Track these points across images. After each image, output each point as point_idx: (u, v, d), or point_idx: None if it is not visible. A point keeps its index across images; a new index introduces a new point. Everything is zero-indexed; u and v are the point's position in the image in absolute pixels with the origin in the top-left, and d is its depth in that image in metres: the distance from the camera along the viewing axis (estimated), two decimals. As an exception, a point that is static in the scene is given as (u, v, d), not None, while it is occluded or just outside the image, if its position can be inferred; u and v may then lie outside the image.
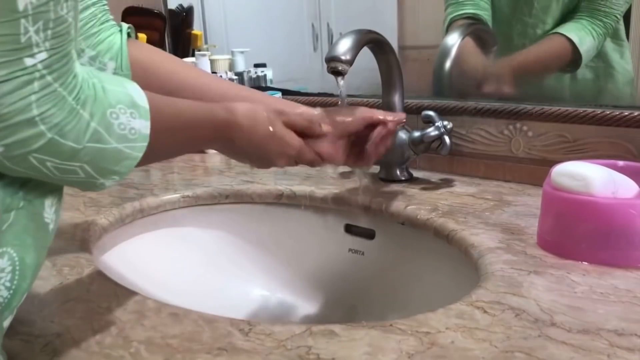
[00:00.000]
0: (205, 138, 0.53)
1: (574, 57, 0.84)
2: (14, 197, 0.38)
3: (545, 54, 0.89)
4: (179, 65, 0.68)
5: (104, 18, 0.63)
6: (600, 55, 0.84)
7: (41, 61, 0.34)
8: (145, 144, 0.41)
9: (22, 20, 0.32)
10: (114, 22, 0.64)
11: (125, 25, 0.65)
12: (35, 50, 0.33)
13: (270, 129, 0.57)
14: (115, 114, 0.39)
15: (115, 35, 0.63)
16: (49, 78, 0.35)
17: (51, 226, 0.41)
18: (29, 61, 0.33)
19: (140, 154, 0.41)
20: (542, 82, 0.91)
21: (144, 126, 0.41)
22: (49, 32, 0.34)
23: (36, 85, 0.34)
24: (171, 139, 0.48)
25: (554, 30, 0.86)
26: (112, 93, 0.40)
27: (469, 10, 0.93)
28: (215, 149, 0.58)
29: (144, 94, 0.42)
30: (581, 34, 0.83)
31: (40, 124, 0.35)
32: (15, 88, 0.33)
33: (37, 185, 0.40)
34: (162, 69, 0.66)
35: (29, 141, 0.35)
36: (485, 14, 0.93)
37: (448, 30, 0.95)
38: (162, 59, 0.67)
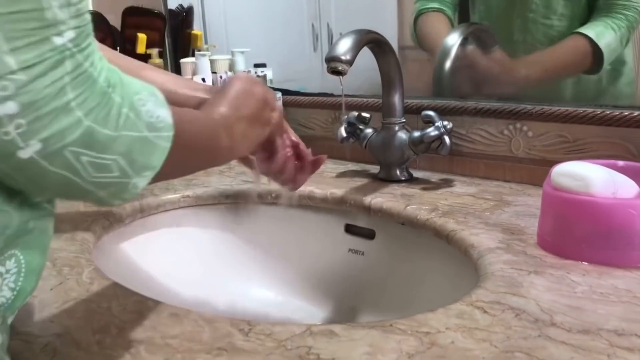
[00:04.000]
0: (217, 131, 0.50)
1: (595, 55, 0.82)
2: (38, 206, 0.38)
3: (564, 57, 0.87)
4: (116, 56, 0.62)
5: None
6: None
7: (70, 40, 0.32)
8: (172, 133, 0.39)
9: None
10: None
11: None
12: (63, 28, 0.31)
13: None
14: (142, 101, 0.37)
15: None
16: (79, 57, 0.32)
17: (52, 230, 0.42)
18: (58, 40, 0.31)
19: (168, 145, 0.39)
20: (551, 84, 0.90)
21: (167, 115, 0.39)
22: (72, 8, 0.32)
23: (68, 65, 0.32)
24: (195, 135, 0.46)
25: (572, 32, 0.85)
26: (133, 81, 0.38)
27: (435, 5, 0.97)
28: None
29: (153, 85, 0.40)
30: (599, 30, 0.82)
31: (76, 110, 0.32)
32: (47, 69, 0.31)
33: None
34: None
35: (66, 132, 0.32)
36: (448, 11, 0.97)
37: (416, 22, 0.99)
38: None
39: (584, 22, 0.83)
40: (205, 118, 0.50)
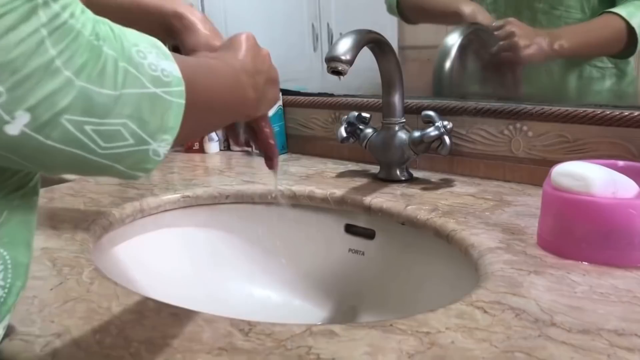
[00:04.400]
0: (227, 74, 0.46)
1: (630, 35, 0.80)
2: (9, 196, 0.37)
3: (597, 32, 0.84)
4: None
5: None
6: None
7: None
8: (182, 88, 0.35)
9: None
10: None
11: None
12: None
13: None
14: (142, 53, 0.33)
15: None
16: (55, 6, 0.28)
17: (35, 223, 0.41)
18: None
19: (182, 101, 0.35)
20: (552, 81, 0.89)
21: (173, 68, 0.35)
22: None
23: (42, 14, 0.27)
24: (206, 86, 0.41)
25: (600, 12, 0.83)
26: (128, 32, 0.33)
27: None
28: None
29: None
30: (629, 9, 0.80)
31: (62, 69, 0.28)
32: (17, 21, 0.26)
33: (31, 184, 0.39)
34: None
35: (56, 96, 0.28)
36: None
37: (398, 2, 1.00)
38: None
39: (596, 15, 0.83)
40: (224, 66, 0.46)
